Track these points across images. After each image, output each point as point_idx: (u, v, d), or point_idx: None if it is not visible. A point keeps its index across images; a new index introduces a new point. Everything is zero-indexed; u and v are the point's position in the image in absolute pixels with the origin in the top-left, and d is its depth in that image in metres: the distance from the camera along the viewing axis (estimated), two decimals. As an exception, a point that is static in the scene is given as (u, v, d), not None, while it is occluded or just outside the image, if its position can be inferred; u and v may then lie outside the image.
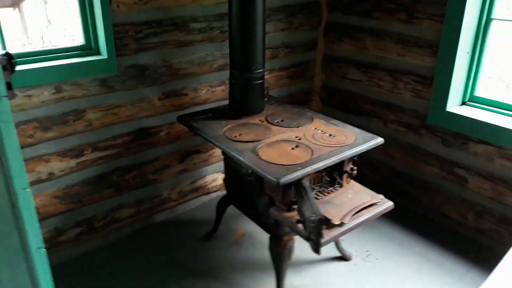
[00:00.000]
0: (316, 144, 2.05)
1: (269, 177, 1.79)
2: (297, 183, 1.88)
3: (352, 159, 2.15)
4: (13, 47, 3.85)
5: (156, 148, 2.67)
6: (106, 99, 2.36)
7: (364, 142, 2.08)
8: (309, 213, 1.71)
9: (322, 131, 2.19)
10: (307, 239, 1.74)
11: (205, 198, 3.05)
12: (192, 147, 2.82)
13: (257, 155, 1.96)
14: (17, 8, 5.35)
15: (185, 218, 2.91)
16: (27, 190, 1.14)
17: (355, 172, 2.18)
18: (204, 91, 2.73)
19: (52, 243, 2.43)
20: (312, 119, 2.35)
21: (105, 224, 2.61)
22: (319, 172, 2.15)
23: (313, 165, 1.86)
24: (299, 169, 1.82)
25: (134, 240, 2.68)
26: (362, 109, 3.13)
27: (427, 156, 2.79)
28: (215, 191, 3.07)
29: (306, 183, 1.88)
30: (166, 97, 2.59)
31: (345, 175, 2.17)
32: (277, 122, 2.32)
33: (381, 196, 2.09)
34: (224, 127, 2.26)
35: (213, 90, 2.78)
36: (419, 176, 2.87)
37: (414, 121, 2.81)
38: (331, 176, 2.19)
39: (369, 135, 2.15)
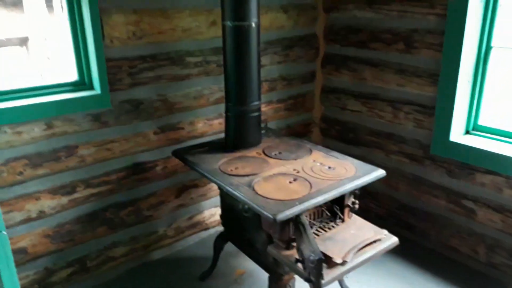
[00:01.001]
0: (315, 177, 1.97)
1: (265, 213, 1.70)
2: (295, 219, 1.79)
3: (353, 193, 2.06)
4: (18, 83, 3.86)
5: (152, 184, 2.59)
6: (99, 135, 2.31)
7: (365, 174, 1.99)
8: (308, 252, 1.61)
9: (321, 164, 2.12)
10: (307, 280, 1.63)
11: (204, 234, 2.94)
12: (189, 182, 2.74)
13: (253, 189, 1.88)
14: (24, 46, 5.46)
15: (183, 255, 2.80)
16: (3, 233, 1.07)
17: (356, 206, 2.08)
18: (200, 125, 2.68)
19: (41, 285, 2.32)
20: (310, 151, 2.28)
21: (98, 263, 2.50)
22: (319, 207, 2.06)
23: (312, 200, 1.78)
24: (297, 204, 1.74)
25: (129, 280, 2.56)
26: (362, 140, 3.06)
27: (433, 188, 2.69)
28: (213, 227, 2.97)
29: (304, 219, 1.78)
30: (162, 131, 2.54)
31: (346, 209, 2.08)
32: (275, 154, 2.25)
33: (385, 232, 1.98)
34: (220, 161, 2.19)
35: (210, 123, 2.73)
36: (425, 208, 2.76)
37: (417, 151, 2.73)
38: (332, 211, 2.09)
39: (370, 167, 2.07)
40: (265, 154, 2.26)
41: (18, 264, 2.22)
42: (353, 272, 1.90)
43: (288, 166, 2.11)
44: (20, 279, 2.25)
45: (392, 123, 2.83)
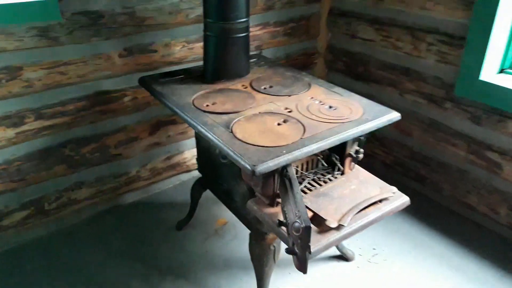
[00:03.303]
0: (311, 118, 1.55)
1: (243, 163, 1.31)
2: (281, 171, 1.41)
3: (357, 140, 1.66)
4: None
5: (119, 117, 2.19)
6: (48, 54, 1.87)
7: (375, 117, 1.57)
8: (292, 216, 1.23)
9: (320, 102, 1.69)
10: (289, 251, 1.27)
11: (185, 177, 2.60)
12: (166, 117, 2.34)
13: (231, 131, 1.47)
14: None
15: (160, 199, 2.47)
16: None
17: (361, 155, 1.69)
18: (178, 48, 2.22)
19: (-9, 229, 2.02)
20: (309, 86, 1.85)
21: (58, 206, 2.18)
22: (314, 155, 1.67)
23: (304, 148, 1.37)
24: (284, 153, 1.34)
25: (95, 226, 2.25)
26: (373, 75, 2.59)
27: (452, 135, 2.27)
28: (196, 169, 2.61)
29: (292, 172, 1.39)
30: (129, 54, 2.08)
31: (347, 159, 1.68)
32: (264, 88, 1.82)
33: (394, 189, 1.60)
34: (196, 94, 1.77)
35: (191, 47, 2.26)
36: (441, 159, 2.36)
37: (437, 91, 2.28)
38: (330, 160, 1.70)
39: (381, 108, 1.64)
40: (252, 88, 1.82)
41: (-43, 206, 1.90)
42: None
43: (278, 104, 1.68)
44: (-38, 222, 1.94)
45: (410, 55, 2.35)
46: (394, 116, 1.60)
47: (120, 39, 2.02)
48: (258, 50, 2.57)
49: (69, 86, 1.98)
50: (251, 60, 2.15)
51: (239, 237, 2.19)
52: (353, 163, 1.71)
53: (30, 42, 1.81)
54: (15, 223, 2.07)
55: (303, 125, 1.51)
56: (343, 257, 2.05)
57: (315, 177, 1.66)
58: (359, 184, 1.63)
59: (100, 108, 2.11)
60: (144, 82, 1.90)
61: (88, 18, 1.90)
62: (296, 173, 1.65)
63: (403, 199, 1.59)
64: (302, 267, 1.24)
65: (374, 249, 2.10)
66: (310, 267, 1.99)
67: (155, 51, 2.15)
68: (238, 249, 2.11)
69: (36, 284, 1.90)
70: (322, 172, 1.69)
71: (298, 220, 1.19)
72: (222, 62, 1.87)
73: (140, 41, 2.09)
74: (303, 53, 2.82)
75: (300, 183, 1.63)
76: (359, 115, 1.58)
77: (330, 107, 1.64)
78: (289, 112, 1.61)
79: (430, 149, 2.40)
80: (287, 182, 1.36)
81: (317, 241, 1.37)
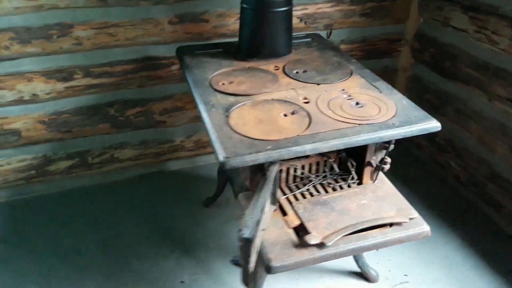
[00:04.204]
0: (325, 114, 1.33)
1: (217, 152, 1.17)
2: (264, 168, 1.23)
3: (383, 147, 1.39)
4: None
5: (167, 85, 2.18)
6: (97, 15, 1.91)
7: (404, 123, 1.28)
8: (244, 220, 1.06)
9: (349, 96, 1.44)
10: (233, 262, 1.11)
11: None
12: (215, 90, 2.26)
13: (227, 116, 1.34)
14: None
15: (202, 172, 2.45)
16: None
17: (386, 166, 1.41)
18: (233, 19, 2.10)
19: (39, 171, 2.20)
20: (350, 75, 1.60)
21: (102, 161, 2.28)
22: (324, 156, 1.45)
23: (294, 147, 1.18)
24: (268, 149, 1.16)
25: (134, 187, 2.31)
26: (460, 72, 2.16)
27: (543, 160, 1.80)
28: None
29: (273, 173, 1.21)
30: (180, 21, 2.03)
31: (367, 168, 1.42)
32: (296, 73, 1.62)
33: (414, 214, 1.31)
34: (221, 70, 1.65)
35: (245, 20, 2.12)
36: (524, 186, 1.90)
37: (534, 102, 1.81)
38: (345, 165, 1.46)
39: (421, 113, 1.34)
40: (284, 71, 1.64)
41: (11, 146, 2.10)
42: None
43: (300, 92, 1.48)
44: (17, 161, 2.14)
45: (507, 53, 1.89)
46: (430, 125, 1.29)
47: (171, 5, 1.98)
48: (328, 30, 2.32)
49: (117, 48, 2.01)
50: (302, 40, 1.95)
51: (264, 227, 2.05)
52: (376, 173, 1.44)
53: (80, 1, 1.86)
54: (61, 171, 2.23)
55: (310, 120, 1.30)
56: (363, 276, 1.79)
57: (324, 182, 1.44)
58: (372, 200, 1.36)
59: (147, 73, 2.12)
60: (180, 52, 1.84)
61: (145, -20, 1.89)
62: (302, 174, 1.45)
63: (422, 229, 1.29)
64: (244, 281, 1.08)
65: (405, 275, 1.79)
66: (321, 277, 1.78)
67: (207, 20, 2.07)
68: (257, 240, 1.98)
69: (57, 229, 2.04)
70: (335, 177, 1.46)
71: (243, 228, 1.02)
72: (257, 39, 1.71)
73: (192, 9, 2.02)
74: (385, 38, 2.47)
75: (304, 185, 1.43)
76: (387, 118, 1.31)
77: (357, 103, 1.39)
78: (306, 103, 1.41)
79: (514, 172, 1.95)
80: (261, 182, 1.18)
81: (287, 256, 1.19)
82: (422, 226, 1.29)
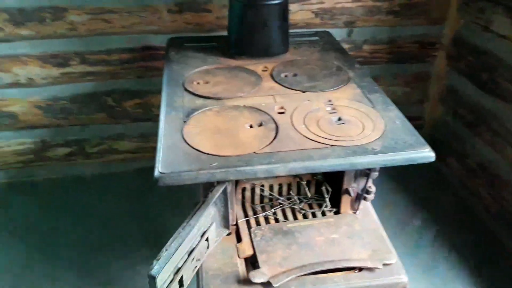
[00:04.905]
0: (297, 129, 1.13)
1: (156, 163, 1.03)
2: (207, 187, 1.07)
3: (365, 173, 1.16)
4: None
5: (166, 77, 2.06)
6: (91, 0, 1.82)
7: (389, 148, 1.06)
8: (162, 252, 0.90)
9: (332, 109, 1.23)
10: None
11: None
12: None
13: (184, 121, 1.18)
14: None
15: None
16: None
17: (369, 195, 1.19)
18: (238, 11, 1.92)
19: (38, 156, 2.17)
20: (345, 83, 1.38)
21: (100, 151, 2.22)
22: (296, 176, 1.25)
23: (241, 168, 1.00)
24: (213, 167, 0.99)
25: (131, 180, 2.23)
26: (499, 87, 1.84)
27: None
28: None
29: (210, 196, 1.04)
30: (180, 10, 1.89)
31: (344, 197, 1.21)
32: (285, 76, 1.42)
33: (392, 259, 1.09)
34: (202, 67, 1.49)
35: (251, 12, 1.93)
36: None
37: None
38: (320, 189, 1.25)
39: (413, 138, 1.10)
40: (271, 74, 1.44)
41: (10, 129, 2.09)
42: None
43: (278, 100, 1.29)
44: (16, 144, 2.13)
45: (554, 69, 1.57)
46: (418, 155, 1.06)
47: (170, -8, 1.85)
48: (348, 28, 2.07)
49: (114, 36, 1.92)
50: (308, 38, 1.74)
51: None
52: (357, 202, 1.22)
53: (73, -16, 1.77)
54: (59, 157, 2.19)
55: (275, 136, 1.11)
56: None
57: (296, 206, 1.24)
58: (346, 235, 1.15)
59: (146, 63, 2.00)
60: (170, 43, 1.70)
61: (133, -36, 1.77)
62: (271, 195, 1.26)
63: (397, 279, 1.07)
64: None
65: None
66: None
67: (209, 11, 1.91)
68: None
69: (49, 216, 2.01)
70: (310, 201, 1.26)
71: (154, 262, 0.86)
72: (246, 35, 1.53)
73: (194, -2, 1.88)
74: (417, 41, 2.18)
75: (272, 207, 1.25)
76: (368, 141, 1.09)
77: (339, 119, 1.18)
78: (280, 113, 1.21)
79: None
80: (200, 203, 1.02)
81: (224, 293, 1.02)
82: (398, 276, 1.07)
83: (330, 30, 1.94)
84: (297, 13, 1.99)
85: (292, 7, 1.95)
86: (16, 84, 1.97)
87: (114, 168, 2.27)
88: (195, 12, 1.90)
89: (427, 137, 2.32)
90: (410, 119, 2.49)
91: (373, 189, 1.19)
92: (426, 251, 1.84)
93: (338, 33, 2.07)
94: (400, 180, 2.18)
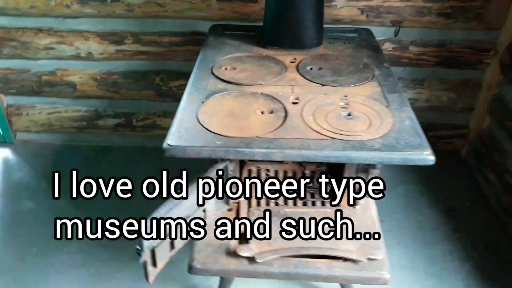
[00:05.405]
0: (304, 120, 1.18)
1: (167, 137, 1.14)
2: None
3: (364, 169, 1.19)
4: None
5: (211, 62, 2.16)
6: (149, -16, 1.96)
7: (389, 147, 1.07)
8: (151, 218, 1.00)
9: (345, 104, 1.25)
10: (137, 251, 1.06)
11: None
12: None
13: (202, 102, 1.27)
14: None
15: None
16: None
17: (376, 195, 1.21)
18: (283, 4, 1.97)
19: (90, 123, 2.39)
20: (367, 80, 1.39)
21: (145, 126, 2.39)
22: (301, 165, 1.30)
23: (241, 149, 1.07)
24: (216, 145, 1.08)
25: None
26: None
27: None
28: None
29: (209, 173, 1.12)
30: (228, -1, 1.98)
31: (345, 190, 1.23)
32: (311, 69, 1.46)
33: (379, 255, 1.11)
34: (233, 54, 1.57)
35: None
36: None
37: None
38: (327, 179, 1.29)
39: (417, 140, 1.10)
40: (297, 65, 1.49)
41: (69, 97, 2.31)
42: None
43: (296, 90, 1.34)
44: (72, 111, 2.36)
45: None
46: (417, 157, 1.06)
47: (220, -19, 1.94)
48: (396, 27, 2.05)
49: (166, 19, 2.05)
50: (347, 34, 1.76)
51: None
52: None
53: (133, -31, 1.92)
54: (108, 127, 2.40)
55: (281, 124, 1.16)
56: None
57: (294, 195, 1.29)
58: (339, 226, 1.19)
59: (193, 48, 2.12)
60: (212, 29, 1.80)
61: (186, -47, 1.88)
62: (273, 178, 1.32)
63: (379, 274, 1.09)
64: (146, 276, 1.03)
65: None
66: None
67: (255, 1, 1.97)
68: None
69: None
70: (312, 191, 1.30)
71: (141, 240, 0.96)
72: (280, 26, 1.58)
73: (242, -13, 1.96)
74: (469, 46, 2.09)
75: (275, 191, 1.31)
76: (371, 137, 1.11)
77: (349, 114, 1.21)
78: (294, 103, 1.27)
79: None
80: (200, 175, 1.11)
81: (213, 260, 1.11)
82: (380, 272, 1.09)
83: (376, 28, 1.94)
84: (343, 9, 2.00)
85: (338, 2, 1.97)
86: (77, 57, 2.18)
87: (157, 143, 2.42)
88: (242, 2, 1.98)
89: (470, 147, 2.24)
90: (455, 126, 2.43)
91: (378, 186, 1.21)
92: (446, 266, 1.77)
93: (384, 32, 2.05)
94: (431, 186, 2.12)
